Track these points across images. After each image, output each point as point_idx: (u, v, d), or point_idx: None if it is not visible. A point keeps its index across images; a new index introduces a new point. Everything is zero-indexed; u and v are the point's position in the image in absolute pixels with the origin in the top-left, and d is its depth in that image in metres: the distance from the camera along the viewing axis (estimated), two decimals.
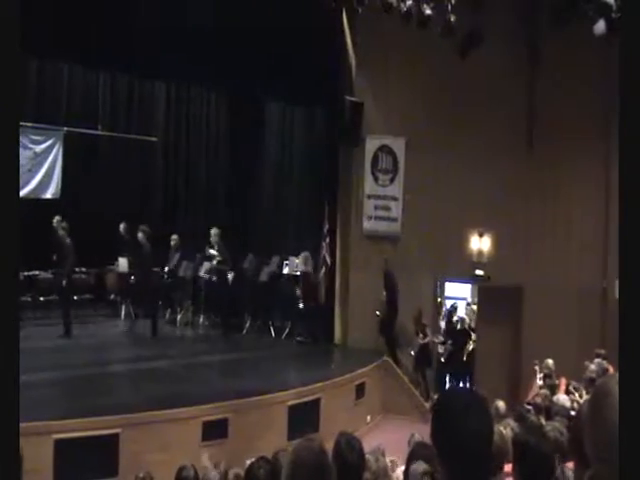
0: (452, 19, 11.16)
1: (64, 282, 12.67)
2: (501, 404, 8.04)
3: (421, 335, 13.85)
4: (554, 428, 4.78)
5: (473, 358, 14.39)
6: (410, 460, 4.23)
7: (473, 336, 14.66)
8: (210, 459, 5.80)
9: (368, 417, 12.29)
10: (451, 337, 14.62)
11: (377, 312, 13.97)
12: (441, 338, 14.63)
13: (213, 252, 13.90)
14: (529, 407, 8.64)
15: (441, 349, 14.51)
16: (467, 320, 15.25)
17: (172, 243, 14.99)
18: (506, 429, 4.92)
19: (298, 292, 14.14)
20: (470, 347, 14.54)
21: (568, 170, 13.37)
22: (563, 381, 9.90)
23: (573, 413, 7.24)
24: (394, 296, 13.72)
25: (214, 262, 13.96)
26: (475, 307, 15.75)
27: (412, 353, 14.09)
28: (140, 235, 13.23)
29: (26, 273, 13.98)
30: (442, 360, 14.54)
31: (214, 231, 14.00)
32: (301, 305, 14.09)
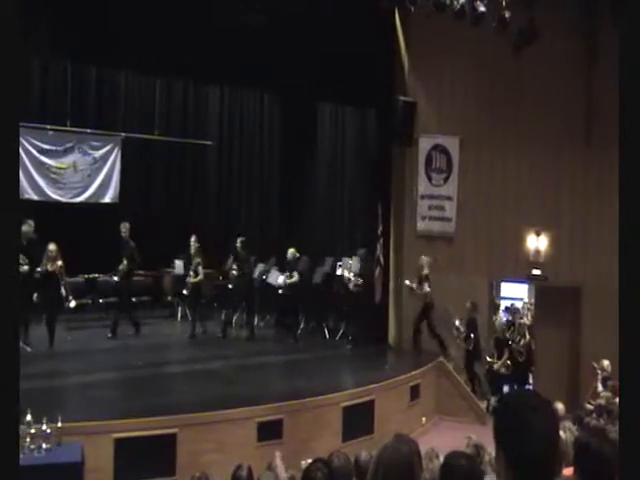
0: (506, 15, 11.01)
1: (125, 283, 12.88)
2: (560, 406, 7.91)
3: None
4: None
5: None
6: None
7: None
8: (281, 459, 5.77)
9: (423, 419, 12.19)
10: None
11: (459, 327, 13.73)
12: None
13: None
14: (590, 408, 8.48)
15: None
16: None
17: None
18: (565, 432, 4.83)
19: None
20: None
21: None
22: None
23: None
24: (478, 339, 13.61)
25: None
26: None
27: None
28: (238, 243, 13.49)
29: (86, 276, 14.33)
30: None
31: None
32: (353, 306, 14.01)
